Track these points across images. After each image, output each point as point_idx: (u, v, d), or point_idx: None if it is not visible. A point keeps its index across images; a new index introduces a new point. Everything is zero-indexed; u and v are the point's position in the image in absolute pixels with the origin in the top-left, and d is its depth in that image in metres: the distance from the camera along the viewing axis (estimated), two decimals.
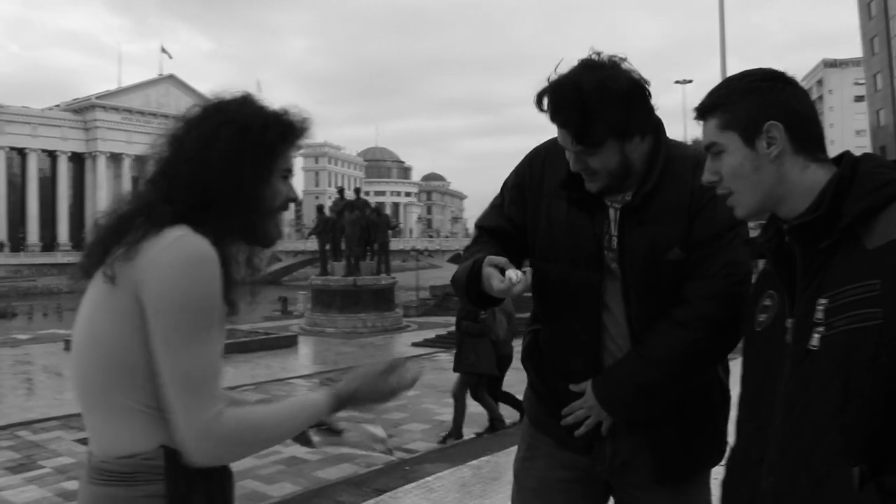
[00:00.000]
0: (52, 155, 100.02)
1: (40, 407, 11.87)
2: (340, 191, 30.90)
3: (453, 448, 7.58)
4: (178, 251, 1.43)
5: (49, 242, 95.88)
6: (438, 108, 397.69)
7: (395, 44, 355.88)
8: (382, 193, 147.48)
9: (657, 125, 2.00)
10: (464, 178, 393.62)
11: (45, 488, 7.22)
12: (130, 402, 1.46)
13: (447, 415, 10.26)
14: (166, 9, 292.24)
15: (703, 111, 1.55)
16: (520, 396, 8.43)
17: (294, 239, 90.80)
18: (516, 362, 5.55)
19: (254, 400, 2.04)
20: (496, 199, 2.25)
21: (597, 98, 1.83)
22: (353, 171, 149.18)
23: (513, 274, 1.83)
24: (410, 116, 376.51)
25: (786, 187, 1.46)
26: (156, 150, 1.60)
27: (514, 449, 2.36)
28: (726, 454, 1.70)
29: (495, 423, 7.52)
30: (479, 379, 7.42)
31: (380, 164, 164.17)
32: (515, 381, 7.20)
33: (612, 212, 2.01)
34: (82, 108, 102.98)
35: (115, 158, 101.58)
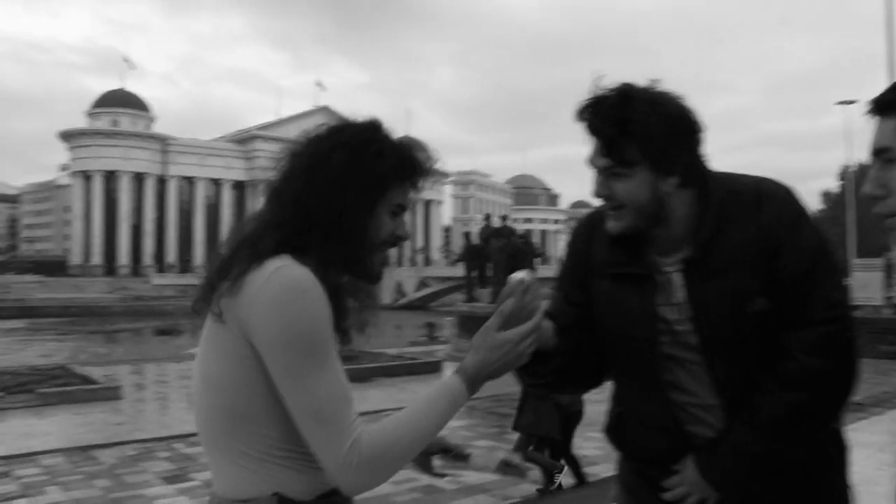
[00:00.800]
0: (216, 183, 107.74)
1: None
2: (487, 217, 31.02)
3: (588, 490, 7.22)
4: (277, 285, 1.36)
5: None
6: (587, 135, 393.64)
7: (542, 70, 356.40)
8: (530, 221, 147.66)
9: (703, 177, 1.72)
10: None
11: (195, 500, 7.45)
12: (244, 448, 1.43)
13: (589, 449, 9.90)
14: (323, 43, 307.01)
15: (883, 106, 1.28)
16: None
17: (442, 265, 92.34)
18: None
19: None
20: (554, 293, 1.97)
21: (641, 111, 1.62)
22: (501, 199, 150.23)
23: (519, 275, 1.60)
24: (558, 143, 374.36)
25: None
26: (277, 166, 1.53)
27: None
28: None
29: (553, 473, 6.78)
30: (541, 441, 6.78)
31: (527, 191, 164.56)
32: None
33: (675, 276, 1.74)
34: (244, 139, 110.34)
35: None
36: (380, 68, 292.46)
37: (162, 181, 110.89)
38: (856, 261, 22.99)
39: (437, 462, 1.66)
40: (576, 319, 1.87)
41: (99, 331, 49.39)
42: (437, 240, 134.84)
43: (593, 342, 1.86)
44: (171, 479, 8.32)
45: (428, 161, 1.56)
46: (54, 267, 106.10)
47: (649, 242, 1.76)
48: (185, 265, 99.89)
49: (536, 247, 33.44)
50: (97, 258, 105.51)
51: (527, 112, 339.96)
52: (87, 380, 15.43)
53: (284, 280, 1.36)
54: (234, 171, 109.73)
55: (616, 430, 1.96)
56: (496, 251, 27.12)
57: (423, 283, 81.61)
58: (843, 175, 52.47)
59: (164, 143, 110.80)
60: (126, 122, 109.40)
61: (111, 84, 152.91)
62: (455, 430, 9.40)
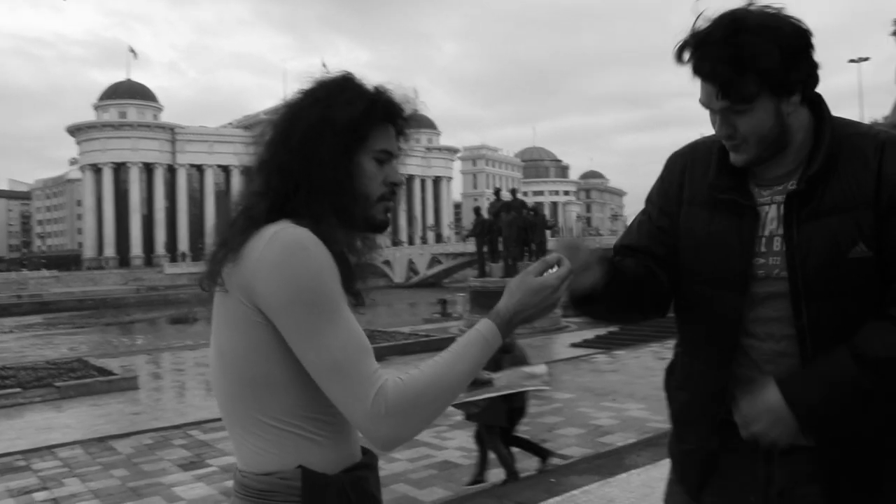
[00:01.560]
0: (226, 170, 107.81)
1: (212, 407, 12.49)
2: (497, 192, 30.91)
3: (601, 459, 7.23)
4: (277, 246, 1.34)
5: None
6: (595, 104, 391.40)
7: (548, 42, 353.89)
8: (541, 193, 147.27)
9: (818, 94, 1.62)
10: (623, 175, 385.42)
11: (212, 486, 7.53)
12: (264, 418, 1.41)
13: (604, 419, 9.92)
14: (327, 24, 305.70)
15: None
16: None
17: (454, 241, 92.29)
18: None
19: None
20: (639, 216, 1.89)
21: (753, 43, 1.48)
22: (511, 172, 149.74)
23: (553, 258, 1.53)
24: (567, 114, 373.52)
25: None
26: (258, 138, 1.52)
27: (667, 462, 1.97)
28: None
29: (511, 477, 6.91)
30: (490, 429, 6.88)
31: (537, 163, 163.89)
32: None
33: (772, 209, 1.64)
34: (252, 124, 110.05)
35: None
36: (383, 46, 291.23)
37: (171, 170, 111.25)
38: None
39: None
40: (657, 243, 1.79)
41: (114, 322, 49.81)
42: (447, 216, 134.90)
43: (665, 269, 1.77)
44: (187, 466, 8.41)
45: (406, 103, 1.52)
46: (68, 261, 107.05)
47: (752, 176, 1.68)
48: (197, 253, 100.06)
49: (547, 219, 33.33)
50: (110, 250, 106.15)
51: (534, 84, 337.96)
52: (104, 371, 15.58)
53: (284, 241, 1.34)
54: (243, 156, 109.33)
55: (671, 370, 1.89)
56: (507, 225, 27.07)
57: (435, 261, 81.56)
58: None
59: (172, 133, 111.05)
60: (133, 113, 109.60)
61: (117, 76, 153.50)
62: None
